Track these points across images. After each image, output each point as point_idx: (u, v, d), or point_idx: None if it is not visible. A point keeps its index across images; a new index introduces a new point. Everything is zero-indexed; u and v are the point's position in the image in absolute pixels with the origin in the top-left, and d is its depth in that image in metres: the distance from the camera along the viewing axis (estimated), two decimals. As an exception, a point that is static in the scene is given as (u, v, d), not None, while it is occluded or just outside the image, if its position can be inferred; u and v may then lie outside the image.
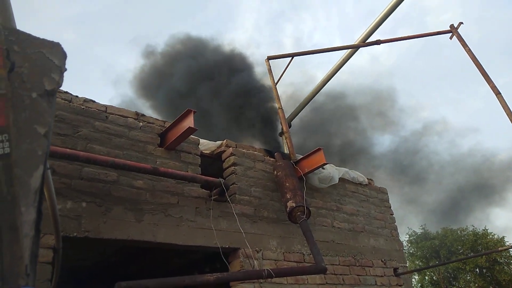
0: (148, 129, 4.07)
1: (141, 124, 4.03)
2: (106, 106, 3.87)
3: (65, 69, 0.87)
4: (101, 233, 3.31)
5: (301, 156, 5.11)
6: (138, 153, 3.88)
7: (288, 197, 4.39)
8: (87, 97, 3.80)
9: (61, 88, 3.76)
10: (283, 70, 6.63)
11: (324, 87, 7.99)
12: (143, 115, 4.13)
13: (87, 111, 3.70)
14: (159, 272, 6.66)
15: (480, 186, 33.01)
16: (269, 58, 6.18)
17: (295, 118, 8.52)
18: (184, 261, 6.54)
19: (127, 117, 3.97)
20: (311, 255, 4.19)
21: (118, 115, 3.90)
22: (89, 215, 3.31)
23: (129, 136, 3.89)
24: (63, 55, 0.87)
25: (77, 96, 3.77)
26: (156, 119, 4.23)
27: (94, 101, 3.83)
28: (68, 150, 3.14)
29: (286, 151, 6.25)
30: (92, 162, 3.23)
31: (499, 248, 8.66)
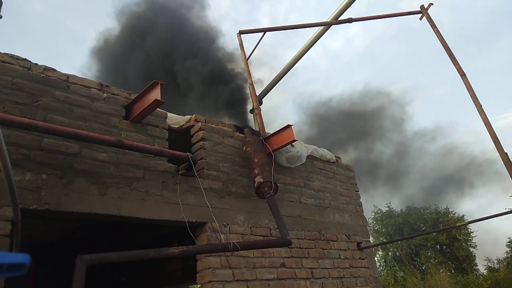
0: (113, 100, 3.94)
1: (105, 95, 3.89)
2: (67, 75, 3.71)
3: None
4: (62, 206, 3.22)
5: (271, 133, 5.12)
6: (102, 125, 3.76)
7: (256, 172, 4.41)
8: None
9: (19, 55, 3.55)
10: (255, 45, 6.55)
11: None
12: (107, 86, 3.98)
13: (47, 80, 3.53)
14: (126, 248, 6.61)
15: (450, 176, 34.89)
16: (241, 32, 6.08)
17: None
18: (152, 237, 6.52)
19: (90, 87, 3.82)
20: (278, 230, 4.25)
21: (80, 85, 3.75)
22: (50, 188, 3.21)
23: (92, 107, 3.75)
24: (-2, 0, 0.80)
25: (36, 64, 3.58)
26: (121, 90, 4.09)
27: (55, 70, 3.65)
28: (25, 119, 2.99)
29: (256, 127, 6.24)
30: (52, 132, 3.09)
31: (457, 224, 9.12)
